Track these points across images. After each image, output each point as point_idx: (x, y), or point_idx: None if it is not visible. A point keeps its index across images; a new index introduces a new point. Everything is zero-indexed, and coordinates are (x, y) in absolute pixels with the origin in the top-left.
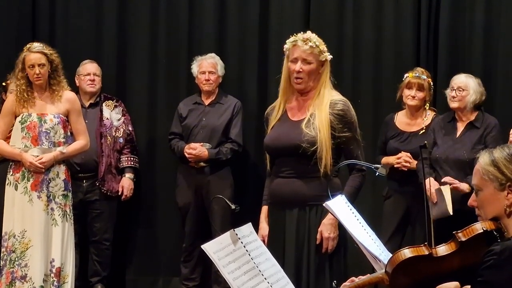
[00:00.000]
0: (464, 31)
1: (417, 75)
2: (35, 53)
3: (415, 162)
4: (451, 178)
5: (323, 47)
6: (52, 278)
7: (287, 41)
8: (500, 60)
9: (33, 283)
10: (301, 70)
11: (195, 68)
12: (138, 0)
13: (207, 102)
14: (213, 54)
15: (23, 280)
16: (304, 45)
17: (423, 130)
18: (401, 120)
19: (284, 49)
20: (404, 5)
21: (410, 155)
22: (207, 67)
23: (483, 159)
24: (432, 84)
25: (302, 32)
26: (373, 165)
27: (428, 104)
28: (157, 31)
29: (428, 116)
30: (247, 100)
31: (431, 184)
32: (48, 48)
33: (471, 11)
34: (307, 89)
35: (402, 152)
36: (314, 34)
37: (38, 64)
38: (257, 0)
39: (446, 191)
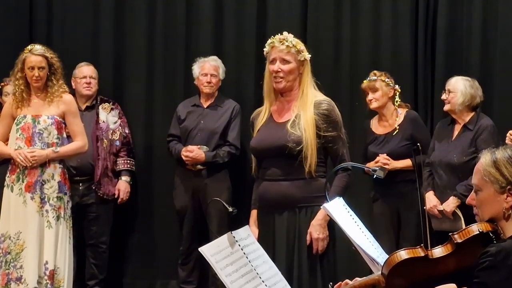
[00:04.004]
0: (461, 34)
1: (367, 79)
2: (36, 56)
3: (395, 162)
4: (437, 204)
5: (301, 46)
6: (46, 280)
7: (266, 44)
8: (498, 62)
9: (27, 284)
10: (279, 70)
11: (196, 69)
12: (135, 2)
13: (205, 104)
14: (215, 57)
15: (18, 282)
16: (281, 45)
17: (397, 130)
18: (375, 124)
19: (264, 53)
20: (401, 9)
21: (387, 157)
22: (209, 69)
23: (485, 158)
24: (387, 79)
25: (279, 34)
26: (371, 168)
27: (397, 102)
28: (154, 34)
29: (400, 115)
30: (245, 103)
31: (430, 199)
32: (49, 52)
33: (469, 14)
34: (289, 89)
35: (379, 155)
36: (290, 35)
37: (38, 67)
38: (255, 4)
39: (460, 212)
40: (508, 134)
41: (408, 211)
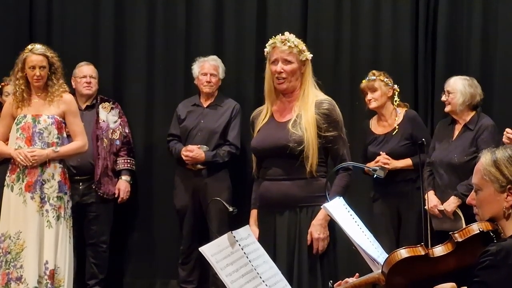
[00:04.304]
0: (461, 34)
1: (366, 79)
2: (37, 55)
3: (395, 161)
4: (437, 204)
5: (302, 46)
6: (46, 280)
7: (266, 44)
8: (498, 62)
9: (27, 284)
10: (282, 70)
11: (196, 69)
12: (135, 2)
13: (205, 104)
14: (215, 57)
15: (18, 282)
16: (283, 46)
17: (396, 130)
18: (374, 124)
19: (265, 53)
20: (401, 9)
21: (387, 156)
22: (209, 69)
23: (485, 158)
24: (386, 79)
25: (280, 34)
26: (371, 168)
27: (396, 101)
28: (154, 34)
29: (399, 114)
30: (245, 103)
31: (431, 199)
32: (49, 51)
33: (469, 14)
34: (291, 90)
35: (379, 154)
36: (292, 35)
37: (39, 66)
38: (254, 4)
39: (460, 212)
40: (505, 133)
41: (408, 211)
